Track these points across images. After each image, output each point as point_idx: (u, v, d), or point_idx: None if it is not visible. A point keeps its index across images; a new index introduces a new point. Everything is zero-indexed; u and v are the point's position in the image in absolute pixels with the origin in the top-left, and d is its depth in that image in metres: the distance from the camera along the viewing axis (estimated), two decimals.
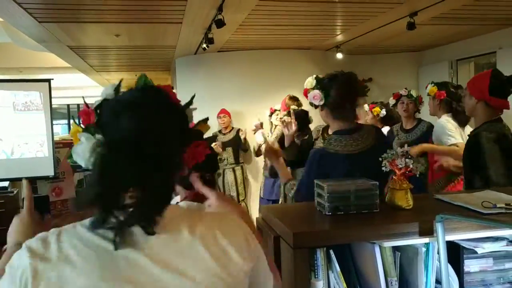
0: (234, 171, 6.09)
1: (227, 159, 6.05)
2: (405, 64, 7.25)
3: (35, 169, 5.65)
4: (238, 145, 6.05)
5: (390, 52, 7.15)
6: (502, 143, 2.36)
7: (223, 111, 6.15)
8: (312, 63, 6.46)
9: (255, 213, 5.71)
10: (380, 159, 1.61)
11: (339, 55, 6.30)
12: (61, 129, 18.80)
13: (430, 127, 3.71)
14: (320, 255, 1.41)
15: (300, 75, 6.39)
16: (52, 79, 5.68)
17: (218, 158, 4.07)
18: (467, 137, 2.61)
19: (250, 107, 6.19)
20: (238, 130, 6.14)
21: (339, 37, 5.70)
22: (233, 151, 6.04)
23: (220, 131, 6.20)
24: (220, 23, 4.00)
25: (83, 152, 0.93)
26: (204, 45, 5.09)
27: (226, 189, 6.06)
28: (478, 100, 2.47)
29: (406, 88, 4.01)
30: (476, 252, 1.49)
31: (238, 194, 6.10)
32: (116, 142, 0.86)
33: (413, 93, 3.90)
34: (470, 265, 1.52)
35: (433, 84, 3.58)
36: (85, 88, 12.74)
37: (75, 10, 4.06)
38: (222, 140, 6.08)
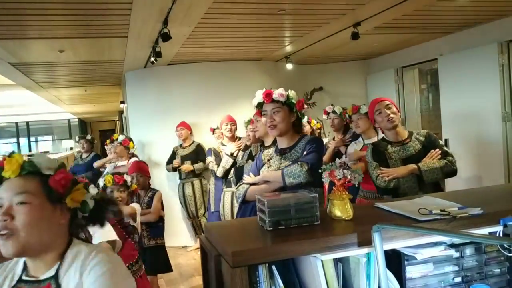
0: (192, 184, 6.01)
1: (185, 174, 5.98)
2: (354, 72, 7.41)
3: None
4: (197, 158, 5.96)
5: (339, 61, 7.29)
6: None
7: (182, 124, 6.06)
8: (264, 74, 6.50)
9: None
10: (320, 170, 1.62)
11: (289, 66, 6.37)
12: (11, 148, 18.13)
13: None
14: (262, 271, 1.39)
15: (252, 85, 6.39)
16: None
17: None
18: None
19: (202, 119, 6.18)
20: (198, 145, 6.08)
21: (288, 48, 5.77)
22: (192, 164, 5.93)
23: (180, 145, 6.13)
24: (166, 37, 3.95)
25: None
26: (153, 59, 5.02)
27: (187, 203, 5.97)
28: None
29: (332, 105, 4.44)
30: (416, 258, 1.51)
31: (197, 209, 6.00)
32: None
33: (337, 109, 4.36)
34: (412, 271, 1.54)
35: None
36: (34, 105, 12.24)
37: (15, 26, 3.91)
38: (181, 154, 6.02)
